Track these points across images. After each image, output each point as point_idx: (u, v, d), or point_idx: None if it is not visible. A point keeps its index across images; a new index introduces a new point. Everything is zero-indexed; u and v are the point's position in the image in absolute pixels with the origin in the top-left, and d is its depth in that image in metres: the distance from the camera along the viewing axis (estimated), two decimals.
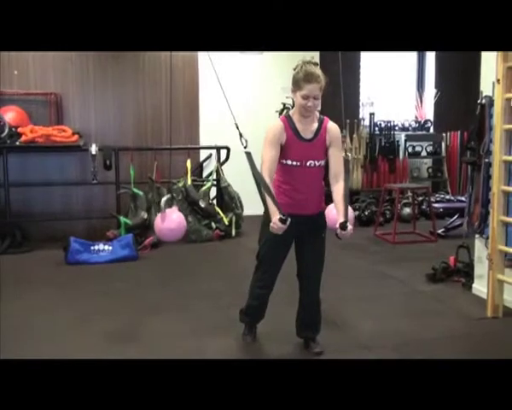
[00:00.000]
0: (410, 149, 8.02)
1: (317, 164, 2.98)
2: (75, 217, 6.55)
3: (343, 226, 2.85)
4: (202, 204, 6.11)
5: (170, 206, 3.23)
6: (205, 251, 5.77)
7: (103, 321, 3.73)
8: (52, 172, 6.50)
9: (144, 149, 6.49)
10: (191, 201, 6.11)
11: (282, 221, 2.75)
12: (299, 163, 2.95)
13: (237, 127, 3.28)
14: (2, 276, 4.72)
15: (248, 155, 2.91)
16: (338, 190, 3.00)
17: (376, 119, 7.86)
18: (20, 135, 5.85)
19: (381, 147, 7.74)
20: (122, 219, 5.86)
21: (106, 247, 5.37)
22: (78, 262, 5.17)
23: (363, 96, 8.06)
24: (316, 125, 2.98)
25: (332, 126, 3.04)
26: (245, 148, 3.15)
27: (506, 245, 3.71)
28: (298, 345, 3.32)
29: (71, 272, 4.97)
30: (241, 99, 6.72)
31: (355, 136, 7.60)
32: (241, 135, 3.22)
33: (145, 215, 5.98)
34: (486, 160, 3.89)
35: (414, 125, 8.25)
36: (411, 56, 8.53)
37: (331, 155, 3.04)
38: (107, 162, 6.06)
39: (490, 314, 3.78)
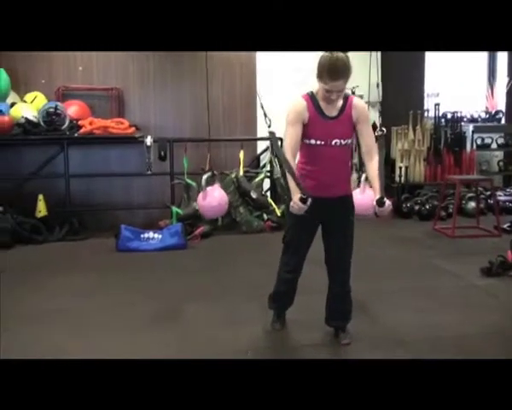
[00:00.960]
0: (478, 142, 7.58)
1: (342, 143, 2.84)
2: (132, 207, 6.72)
3: (380, 203, 2.72)
4: (254, 195, 6.06)
5: (211, 184, 3.18)
6: (254, 242, 5.71)
7: (141, 305, 3.77)
8: (111, 163, 6.68)
9: (197, 140, 6.53)
10: (242, 192, 6.08)
11: (303, 200, 2.64)
12: (323, 142, 2.82)
13: (262, 107, 3.19)
14: (54, 260, 4.91)
15: (272, 134, 2.84)
16: (372, 166, 2.87)
17: (442, 110, 7.50)
18: (80, 127, 6.07)
19: (446, 139, 7.37)
20: (174, 208, 5.93)
21: (156, 235, 5.45)
22: (128, 249, 5.28)
23: (428, 87, 7.72)
24: (340, 102, 2.85)
25: (358, 102, 2.90)
26: (269, 127, 3.07)
27: None
28: (328, 334, 3.20)
29: (119, 259, 5.08)
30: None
31: (418, 127, 7.28)
32: (265, 115, 3.14)
33: (197, 206, 6.01)
34: None
35: (484, 116, 7.80)
36: None
37: (360, 131, 2.90)
38: (162, 153, 6.16)
39: None
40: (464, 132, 7.46)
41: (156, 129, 6.76)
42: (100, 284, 4.29)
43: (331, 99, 2.79)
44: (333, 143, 2.82)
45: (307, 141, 2.85)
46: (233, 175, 6.15)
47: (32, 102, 6.30)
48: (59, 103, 6.07)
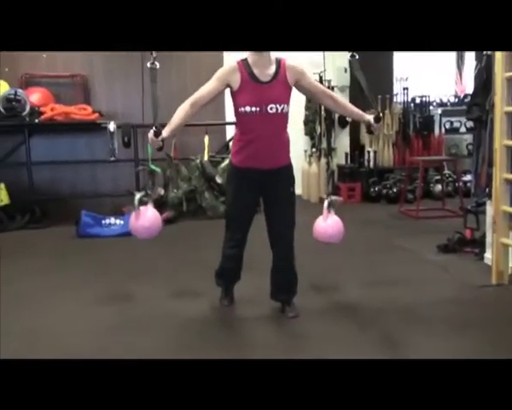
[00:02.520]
0: (447, 126, 7.59)
1: (279, 109, 2.76)
2: (97, 195, 6.63)
3: (378, 119, 2.88)
4: (219, 180, 6.01)
5: (144, 203, 3.11)
6: (219, 227, 5.63)
7: (92, 286, 3.72)
8: (76, 151, 6.60)
9: (161, 125, 6.45)
10: (208, 177, 6.04)
11: (155, 133, 2.68)
12: (258, 108, 2.74)
13: None
14: (10, 246, 4.84)
15: None
16: (341, 102, 2.97)
17: (411, 94, 7.49)
18: (41, 114, 5.98)
19: (414, 123, 7.36)
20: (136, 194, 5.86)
21: (117, 221, 5.40)
22: (89, 235, 5.22)
23: (397, 72, 7.70)
24: (273, 67, 2.80)
25: (291, 64, 2.84)
26: None
27: (511, 206, 3.38)
28: (275, 309, 3.16)
29: (77, 244, 5.02)
30: None
31: (387, 112, 7.27)
32: None
33: (162, 191, 5.97)
34: (492, 115, 3.57)
35: (453, 100, 7.80)
36: None
37: (306, 86, 2.87)
38: (126, 139, 6.08)
39: (494, 281, 3.47)
40: (433, 116, 7.47)
41: (123, 116, 6.67)
42: (53, 267, 4.23)
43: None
44: (268, 108, 2.75)
45: (242, 109, 2.78)
46: (198, 160, 6.10)
47: None
48: (19, 90, 5.97)
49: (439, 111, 7.56)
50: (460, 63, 8.04)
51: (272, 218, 2.98)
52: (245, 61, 2.81)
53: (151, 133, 2.69)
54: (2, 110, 5.77)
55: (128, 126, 6.16)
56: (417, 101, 7.45)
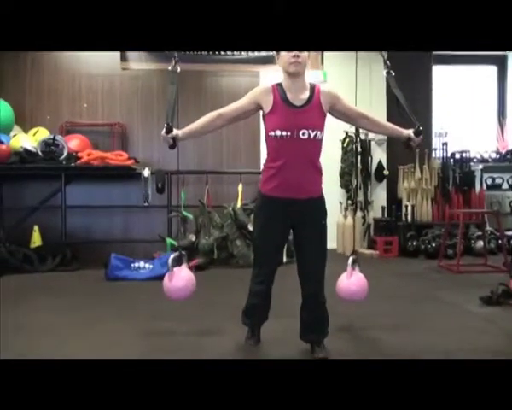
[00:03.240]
0: (489, 182, 7.36)
1: (311, 135, 2.65)
2: (129, 240, 6.62)
3: (418, 132, 2.79)
4: (251, 228, 5.89)
5: (179, 264, 3.04)
6: (250, 275, 5.49)
7: (116, 322, 3.60)
8: (110, 197, 6.67)
9: (195, 172, 6.46)
10: (240, 224, 5.94)
11: (166, 130, 2.59)
12: (289, 133, 2.63)
13: None
14: (38, 287, 4.80)
15: None
16: (377, 121, 2.88)
17: (451, 149, 7.33)
18: (78, 159, 6.06)
19: (454, 178, 7.16)
20: (168, 240, 5.81)
21: (147, 265, 5.31)
22: (117, 278, 5.13)
23: (436, 126, 7.58)
24: (308, 92, 2.71)
25: (326, 89, 2.76)
26: None
27: None
28: (304, 351, 2.95)
29: (105, 286, 4.93)
30: None
31: (425, 166, 7.11)
32: None
33: (193, 238, 5.89)
34: None
35: (494, 156, 7.59)
36: (491, 82, 7.98)
37: (341, 109, 2.78)
38: (159, 185, 6.09)
39: None
40: (473, 172, 7.25)
41: (159, 164, 6.72)
42: (81, 305, 4.14)
43: (295, 62, 2.63)
44: (300, 133, 2.64)
45: (272, 133, 2.68)
46: (230, 208, 6.03)
47: (34, 134, 6.35)
48: (58, 135, 6.09)
49: (480, 167, 7.34)
50: (501, 119, 7.85)
51: (302, 252, 2.83)
52: (279, 84, 2.74)
53: (163, 130, 2.63)
54: (40, 153, 5.87)
55: (162, 172, 6.18)
56: (457, 156, 7.27)
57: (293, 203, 2.72)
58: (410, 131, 2.81)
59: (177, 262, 2.99)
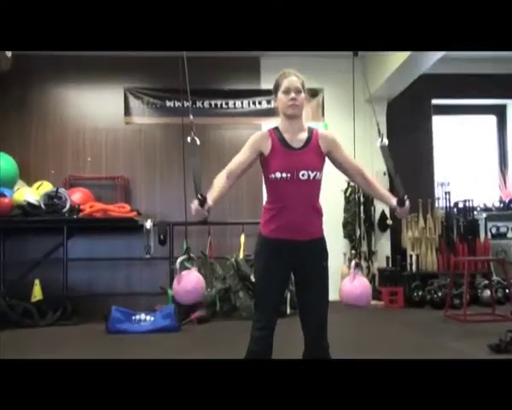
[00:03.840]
0: (493, 230, 7.31)
1: (311, 176, 2.63)
2: (131, 293, 6.55)
3: (402, 202, 2.60)
4: (254, 279, 5.83)
5: (187, 267, 3.04)
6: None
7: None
8: (111, 249, 6.65)
9: (198, 223, 6.44)
10: (242, 276, 5.88)
11: (200, 202, 2.42)
12: (289, 175, 2.62)
13: None
14: (36, 342, 4.72)
15: None
16: (371, 182, 2.74)
17: (454, 198, 7.32)
18: (80, 211, 6.07)
19: (458, 227, 7.12)
20: (169, 291, 5.73)
21: (148, 317, 5.23)
22: (118, 331, 5.04)
23: (439, 176, 7.61)
24: (305, 134, 2.72)
25: (324, 132, 2.77)
26: None
27: None
28: None
29: (106, 340, 4.84)
30: None
31: (429, 216, 7.09)
32: None
33: None
34: None
35: (498, 205, 7.57)
36: (491, 131, 8.05)
37: (338, 158, 2.74)
38: (161, 237, 6.07)
39: None
40: (477, 221, 7.21)
41: (161, 216, 6.73)
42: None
43: (292, 104, 2.64)
44: (300, 175, 2.62)
45: (272, 176, 2.67)
46: (233, 259, 5.98)
47: (37, 188, 6.39)
48: (61, 188, 6.13)
49: (484, 215, 7.31)
50: (503, 167, 7.88)
51: (303, 294, 2.76)
52: (276, 128, 2.76)
53: (195, 203, 2.45)
54: (43, 206, 5.88)
55: (164, 224, 6.18)
56: (460, 205, 7.25)
57: (294, 244, 2.68)
58: (395, 200, 2.67)
59: (186, 266, 2.98)
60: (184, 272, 2.98)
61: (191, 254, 3.08)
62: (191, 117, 2.93)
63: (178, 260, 3.00)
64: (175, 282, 2.96)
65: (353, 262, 2.96)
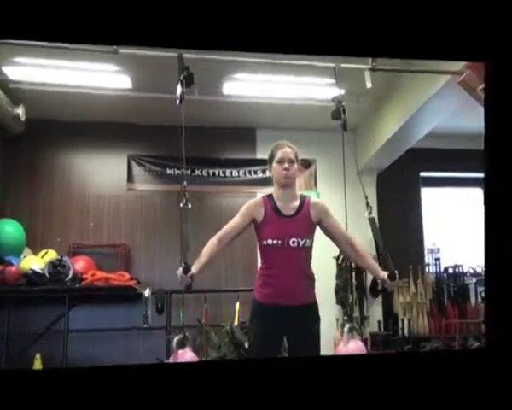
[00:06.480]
0: (483, 295, 7.49)
1: (301, 243, 2.81)
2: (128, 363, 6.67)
3: (392, 276, 2.76)
4: (247, 344, 6.01)
5: (182, 347, 3.23)
6: None
7: None
8: (113, 319, 6.76)
9: (193, 291, 6.63)
10: (237, 343, 6.05)
11: (184, 269, 2.65)
12: (280, 242, 2.80)
13: None
14: None
15: None
16: (360, 253, 2.90)
17: (444, 264, 7.56)
18: (83, 280, 6.31)
19: (449, 292, 7.33)
20: (166, 362, 5.90)
21: None
22: None
23: (428, 242, 7.86)
24: (298, 202, 2.92)
25: (316, 201, 2.97)
26: None
27: None
28: None
29: None
30: None
31: (419, 281, 7.31)
32: None
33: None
34: None
35: None
36: (479, 200, 8.33)
37: (327, 227, 2.92)
38: (159, 305, 6.28)
39: None
40: (467, 285, 7.42)
41: (160, 285, 6.83)
42: None
43: (286, 174, 2.84)
44: (290, 242, 2.80)
45: (264, 242, 2.85)
46: (227, 326, 6.16)
47: (42, 256, 6.65)
48: (65, 256, 6.40)
49: (474, 280, 7.52)
50: None
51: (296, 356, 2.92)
52: (270, 195, 2.95)
53: (180, 270, 2.70)
54: (47, 275, 6.14)
55: (162, 293, 6.38)
56: (450, 271, 7.47)
57: (287, 309, 2.83)
58: (384, 274, 2.85)
59: (181, 345, 3.12)
60: (180, 352, 3.15)
61: (186, 334, 3.26)
62: (185, 183, 3.11)
63: (175, 340, 3.20)
64: (170, 361, 3.13)
65: (347, 327, 3.10)
